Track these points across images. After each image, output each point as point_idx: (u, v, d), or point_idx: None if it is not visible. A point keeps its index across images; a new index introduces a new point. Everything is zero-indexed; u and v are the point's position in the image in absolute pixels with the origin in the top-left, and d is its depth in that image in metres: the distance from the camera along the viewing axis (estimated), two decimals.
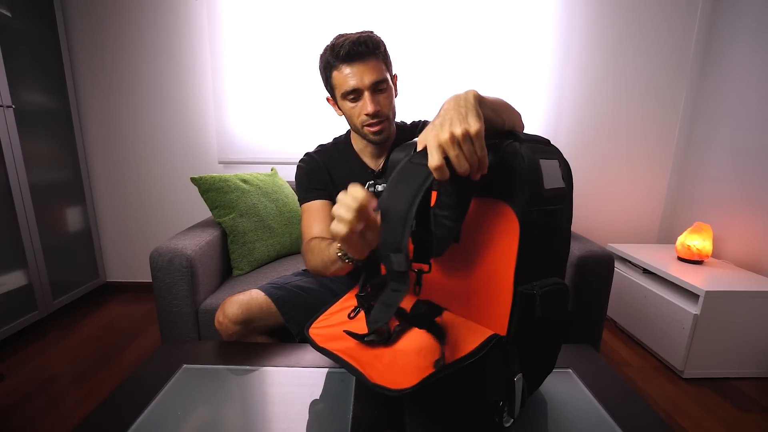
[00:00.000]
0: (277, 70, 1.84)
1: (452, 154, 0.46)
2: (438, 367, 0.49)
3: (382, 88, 0.86)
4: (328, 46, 0.85)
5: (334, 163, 0.99)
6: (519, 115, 0.66)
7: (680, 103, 1.90)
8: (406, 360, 0.54)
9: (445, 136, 0.46)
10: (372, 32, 0.86)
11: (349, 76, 0.83)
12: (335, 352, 0.60)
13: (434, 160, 0.46)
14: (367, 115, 0.85)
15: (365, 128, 0.88)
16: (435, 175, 0.47)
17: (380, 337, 0.59)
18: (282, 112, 1.88)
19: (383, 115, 0.87)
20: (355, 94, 0.85)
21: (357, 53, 0.81)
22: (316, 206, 0.94)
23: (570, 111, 1.91)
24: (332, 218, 0.54)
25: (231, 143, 1.93)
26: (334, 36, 0.86)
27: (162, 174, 2.01)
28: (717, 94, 1.76)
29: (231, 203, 1.38)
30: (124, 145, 1.98)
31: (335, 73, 0.85)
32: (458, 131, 0.46)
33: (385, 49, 0.87)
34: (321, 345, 0.63)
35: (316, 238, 0.85)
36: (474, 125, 0.47)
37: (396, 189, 0.48)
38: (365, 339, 0.58)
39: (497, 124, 0.57)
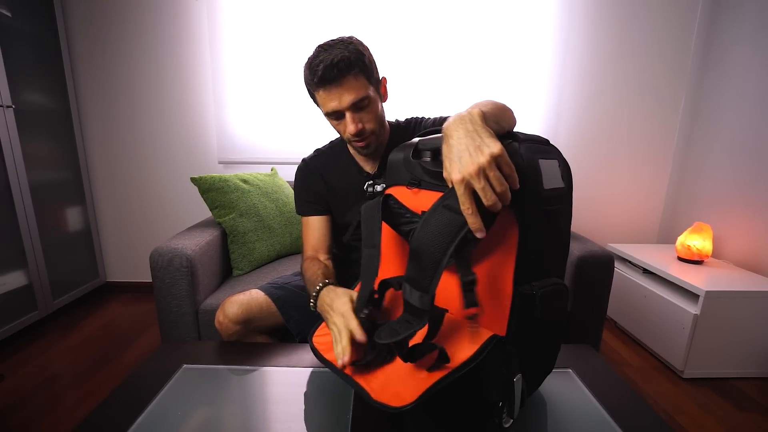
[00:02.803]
0: (277, 70, 1.84)
1: (479, 186, 0.45)
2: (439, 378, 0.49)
3: (364, 105, 0.83)
4: (307, 61, 0.83)
5: (329, 167, 0.99)
6: (512, 113, 0.65)
7: (680, 104, 1.90)
8: (406, 369, 0.55)
9: (469, 168, 0.45)
10: (351, 42, 0.82)
11: (327, 99, 0.81)
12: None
13: (466, 208, 0.45)
14: (350, 134, 0.85)
15: (352, 143, 0.88)
16: (471, 227, 0.45)
17: (380, 357, 0.59)
18: (282, 112, 1.88)
19: (367, 131, 0.85)
20: (336, 115, 0.84)
21: (331, 78, 0.78)
22: (312, 223, 0.98)
23: (570, 111, 1.91)
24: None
25: (231, 143, 1.93)
26: (314, 48, 0.83)
27: (162, 174, 2.01)
28: (717, 95, 1.76)
29: (231, 203, 1.38)
30: (124, 145, 1.98)
31: (316, 95, 0.84)
32: (483, 159, 0.44)
33: (366, 58, 0.82)
34: (324, 356, 0.64)
35: (309, 258, 0.93)
36: (494, 146, 0.45)
37: (431, 232, 0.48)
38: (364, 361, 0.59)
39: (499, 132, 0.57)
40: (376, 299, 0.64)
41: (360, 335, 0.58)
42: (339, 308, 0.65)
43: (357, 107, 0.82)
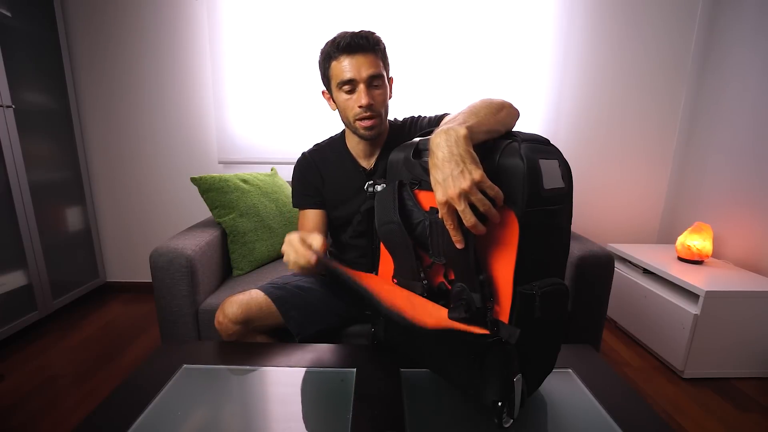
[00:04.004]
0: (277, 70, 1.84)
1: (459, 209, 0.50)
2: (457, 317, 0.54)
3: (378, 83, 0.87)
4: (329, 39, 0.87)
5: (327, 162, 1.01)
6: (510, 109, 0.65)
7: (680, 104, 1.90)
8: (424, 310, 0.58)
9: (451, 193, 0.50)
10: (373, 32, 0.87)
11: (346, 67, 0.84)
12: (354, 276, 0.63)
13: (448, 224, 0.52)
14: (360, 107, 0.86)
15: (357, 122, 0.89)
16: (453, 239, 0.53)
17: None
18: (282, 112, 1.88)
19: (376, 110, 0.87)
20: (350, 86, 0.86)
21: (357, 45, 0.83)
22: (309, 215, 1.00)
23: (570, 111, 1.91)
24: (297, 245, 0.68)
25: (231, 143, 1.93)
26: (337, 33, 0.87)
27: (162, 174, 2.01)
28: (717, 95, 1.76)
29: (231, 203, 1.38)
30: (124, 145, 1.98)
31: (334, 64, 0.86)
32: (465, 185, 0.49)
33: (384, 48, 0.89)
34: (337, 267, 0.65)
35: None
36: (476, 173, 0.49)
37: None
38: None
39: (495, 135, 0.58)
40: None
41: (318, 243, 0.68)
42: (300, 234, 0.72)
43: (372, 83, 0.86)
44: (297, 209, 1.04)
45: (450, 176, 0.50)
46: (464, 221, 0.50)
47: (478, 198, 0.49)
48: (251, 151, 1.93)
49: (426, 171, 0.64)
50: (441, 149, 0.52)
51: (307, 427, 0.58)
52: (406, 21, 1.80)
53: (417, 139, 0.70)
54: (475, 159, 0.50)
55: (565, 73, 1.87)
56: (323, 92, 0.96)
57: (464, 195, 0.49)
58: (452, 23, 1.81)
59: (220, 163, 1.97)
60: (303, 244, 0.68)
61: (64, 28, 1.80)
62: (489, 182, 0.50)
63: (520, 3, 1.78)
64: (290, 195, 1.58)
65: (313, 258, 0.66)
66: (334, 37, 0.85)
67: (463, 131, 0.52)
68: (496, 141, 0.57)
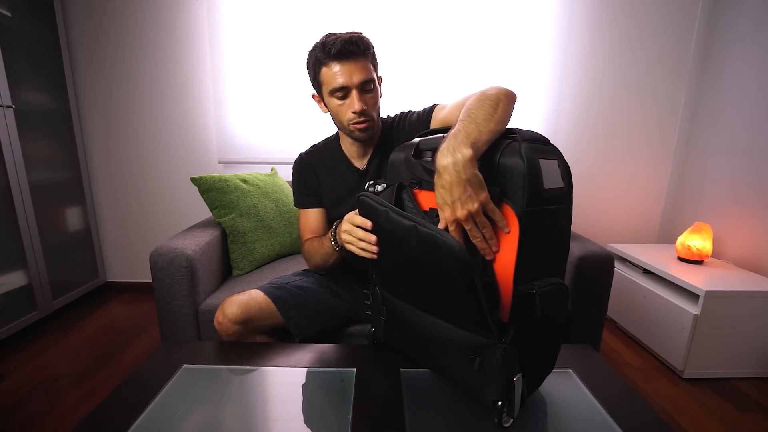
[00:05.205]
0: (277, 71, 1.84)
1: (467, 228, 0.54)
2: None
3: (369, 88, 0.87)
4: (318, 43, 0.86)
5: (323, 163, 1.02)
6: (506, 101, 0.68)
7: (680, 103, 1.90)
8: None
9: (460, 214, 0.54)
10: (362, 33, 0.87)
11: (338, 74, 0.84)
12: None
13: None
14: (354, 113, 0.86)
15: (351, 126, 0.89)
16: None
17: None
18: (282, 112, 1.88)
19: (369, 114, 0.88)
20: (343, 92, 0.85)
21: (348, 52, 0.82)
22: (310, 214, 1.03)
23: (570, 110, 1.91)
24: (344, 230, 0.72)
25: (231, 143, 1.93)
26: (324, 34, 0.86)
27: (162, 174, 2.01)
28: (717, 95, 1.76)
29: (231, 203, 1.38)
30: (124, 145, 1.98)
31: (324, 70, 0.85)
32: (473, 208, 0.53)
33: (374, 51, 0.89)
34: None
35: (309, 239, 0.98)
36: (482, 196, 0.53)
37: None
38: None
39: (496, 136, 0.59)
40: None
41: (362, 220, 0.68)
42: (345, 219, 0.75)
43: (364, 88, 0.86)
44: (297, 209, 1.06)
45: (459, 200, 0.53)
46: (473, 239, 0.54)
47: (481, 221, 0.53)
48: (251, 151, 1.93)
49: (427, 171, 0.64)
50: (449, 173, 0.54)
51: (307, 427, 0.58)
52: (406, 21, 1.80)
53: (417, 139, 0.70)
54: (481, 182, 0.53)
55: (565, 73, 1.87)
56: (313, 95, 0.96)
57: (471, 217, 0.53)
58: (452, 23, 1.81)
59: (220, 163, 1.97)
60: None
61: (64, 28, 1.80)
62: (492, 204, 0.53)
63: (520, 3, 1.78)
64: (290, 195, 1.59)
65: (373, 238, 0.67)
66: (324, 41, 0.84)
67: (468, 153, 0.53)
68: (497, 140, 0.57)
